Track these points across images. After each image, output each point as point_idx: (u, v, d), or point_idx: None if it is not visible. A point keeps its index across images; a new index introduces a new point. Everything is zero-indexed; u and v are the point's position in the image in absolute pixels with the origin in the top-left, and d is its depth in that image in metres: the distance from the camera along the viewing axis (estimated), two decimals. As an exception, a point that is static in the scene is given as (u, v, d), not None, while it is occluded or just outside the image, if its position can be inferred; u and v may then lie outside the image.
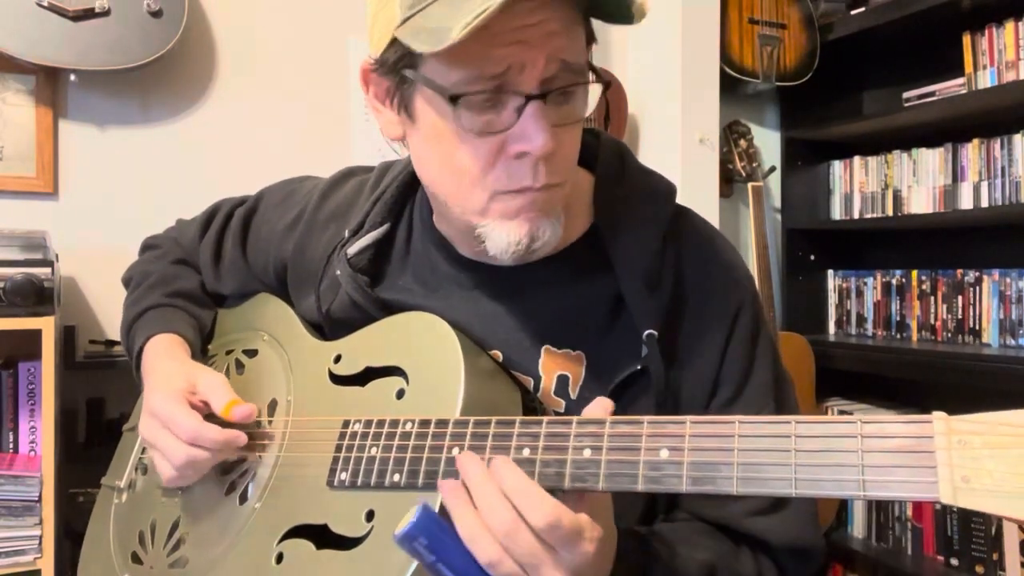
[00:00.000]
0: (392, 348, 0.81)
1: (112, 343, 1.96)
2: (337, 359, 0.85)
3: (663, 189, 0.84)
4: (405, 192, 0.90)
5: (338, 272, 0.87)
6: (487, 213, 0.73)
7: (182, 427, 0.81)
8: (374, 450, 0.73)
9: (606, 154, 0.85)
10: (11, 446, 1.71)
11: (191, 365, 0.91)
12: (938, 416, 0.51)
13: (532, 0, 0.64)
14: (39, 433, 1.69)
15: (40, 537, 1.56)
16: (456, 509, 0.63)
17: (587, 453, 0.61)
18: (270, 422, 0.87)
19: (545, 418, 0.65)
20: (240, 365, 0.97)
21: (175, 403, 0.83)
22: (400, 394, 0.76)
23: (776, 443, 0.55)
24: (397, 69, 0.71)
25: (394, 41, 0.69)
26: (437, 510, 0.64)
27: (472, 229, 0.74)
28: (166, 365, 0.91)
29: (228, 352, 1.00)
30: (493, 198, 0.72)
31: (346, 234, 0.88)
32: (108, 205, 2.03)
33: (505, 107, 0.67)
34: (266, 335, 0.97)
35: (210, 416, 0.84)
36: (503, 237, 0.72)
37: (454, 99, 0.67)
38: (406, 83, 0.71)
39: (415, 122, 0.73)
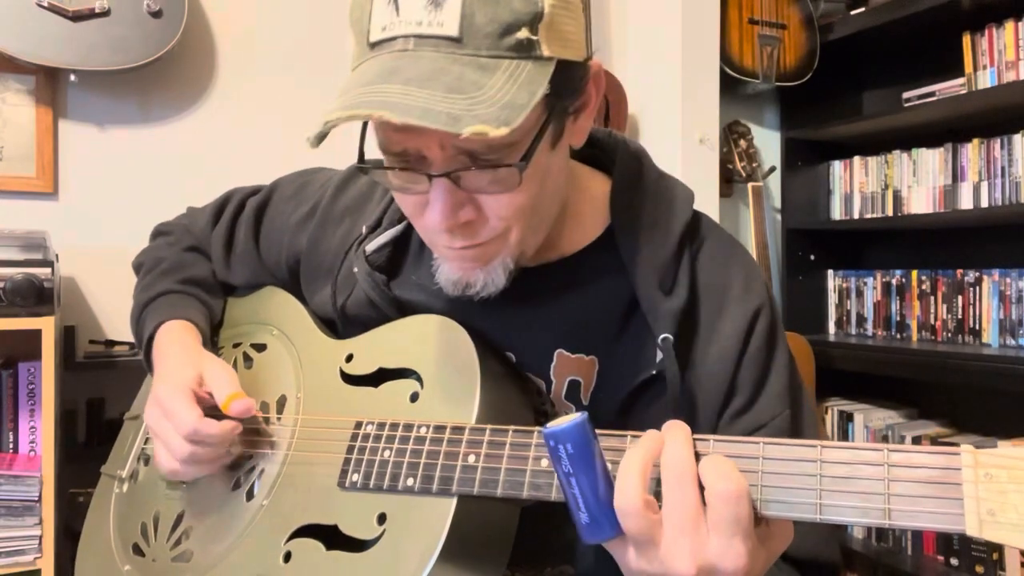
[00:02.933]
0: (406, 350, 0.80)
1: (112, 343, 1.95)
2: (349, 358, 0.84)
3: (680, 194, 0.84)
4: None
5: (355, 269, 0.86)
6: (433, 248, 0.75)
7: (181, 422, 0.80)
8: (387, 453, 0.72)
9: (624, 158, 0.84)
10: (11, 446, 1.70)
11: (201, 354, 0.90)
12: (966, 449, 0.52)
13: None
14: (39, 433, 1.69)
15: (40, 537, 1.56)
16: (638, 444, 0.58)
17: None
18: (279, 419, 0.86)
19: None
20: (248, 359, 0.96)
21: (179, 395, 0.82)
22: (414, 397, 0.76)
23: (801, 467, 0.55)
24: None
25: None
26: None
27: None
28: (177, 352, 0.90)
29: (236, 345, 0.99)
30: (430, 238, 0.73)
31: (363, 230, 0.87)
32: (108, 205, 2.03)
33: (418, 174, 0.66)
34: (275, 329, 0.96)
35: (214, 408, 0.83)
36: (445, 274, 0.74)
37: (363, 169, 0.68)
38: None
39: None
